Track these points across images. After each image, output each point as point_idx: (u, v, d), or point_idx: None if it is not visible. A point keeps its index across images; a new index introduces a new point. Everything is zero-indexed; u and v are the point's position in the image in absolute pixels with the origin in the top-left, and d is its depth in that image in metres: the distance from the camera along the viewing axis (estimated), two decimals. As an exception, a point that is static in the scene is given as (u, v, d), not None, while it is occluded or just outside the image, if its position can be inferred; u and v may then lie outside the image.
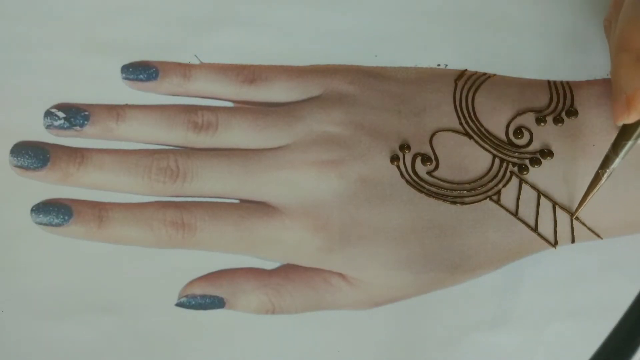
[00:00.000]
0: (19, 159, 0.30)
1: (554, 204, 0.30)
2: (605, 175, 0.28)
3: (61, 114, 0.31)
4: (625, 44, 0.25)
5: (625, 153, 0.28)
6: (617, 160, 0.28)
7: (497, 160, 0.31)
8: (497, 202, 0.30)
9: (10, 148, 0.31)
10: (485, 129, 0.31)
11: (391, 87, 0.32)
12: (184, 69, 0.32)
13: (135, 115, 0.31)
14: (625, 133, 0.27)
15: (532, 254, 0.31)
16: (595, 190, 0.29)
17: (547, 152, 0.31)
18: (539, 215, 0.30)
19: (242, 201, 0.31)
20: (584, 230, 0.31)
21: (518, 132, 0.31)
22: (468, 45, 0.33)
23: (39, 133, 0.31)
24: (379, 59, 0.33)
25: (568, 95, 0.32)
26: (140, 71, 0.32)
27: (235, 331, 0.31)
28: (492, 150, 0.31)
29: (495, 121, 0.31)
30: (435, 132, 0.31)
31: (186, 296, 0.31)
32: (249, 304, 0.31)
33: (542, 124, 0.31)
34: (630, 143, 0.27)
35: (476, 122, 0.31)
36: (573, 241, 0.31)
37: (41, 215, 0.30)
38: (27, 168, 0.30)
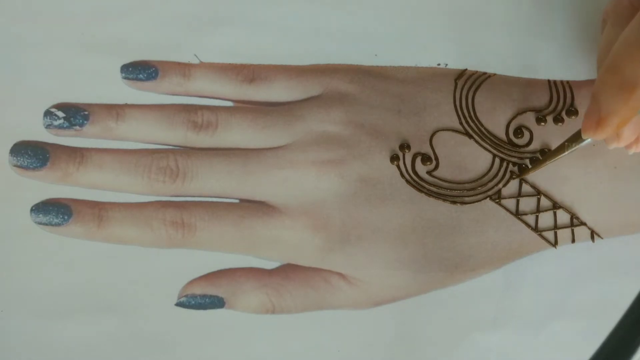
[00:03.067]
0: (18, 158, 0.30)
1: (554, 203, 0.30)
2: (570, 150, 0.28)
3: (61, 114, 0.31)
4: (615, 66, 0.24)
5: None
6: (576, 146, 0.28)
7: (497, 160, 0.31)
8: (498, 201, 0.30)
9: (10, 148, 0.31)
10: (485, 129, 0.31)
11: (391, 86, 0.32)
12: (184, 69, 0.32)
13: (134, 115, 0.31)
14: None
15: (532, 254, 0.31)
16: (551, 160, 0.29)
17: (547, 152, 0.31)
18: (539, 214, 0.30)
19: (242, 201, 0.31)
20: (584, 230, 0.31)
21: (518, 131, 0.31)
22: (468, 45, 0.33)
23: (39, 133, 0.31)
24: (379, 58, 0.33)
25: (568, 94, 0.32)
26: (140, 71, 0.32)
27: (235, 331, 0.31)
28: (492, 149, 0.31)
29: (496, 121, 0.31)
30: (435, 131, 0.31)
31: (186, 296, 0.31)
32: (249, 303, 0.31)
33: (542, 123, 0.31)
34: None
35: (476, 122, 0.31)
36: (573, 241, 0.31)
37: (41, 215, 0.30)
38: (26, 168, 0.30)
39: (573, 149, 0.28)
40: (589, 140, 0.26)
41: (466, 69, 0.32)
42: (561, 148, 0.28)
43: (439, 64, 0.33)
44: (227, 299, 0.31)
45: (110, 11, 0.32)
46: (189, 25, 0.32)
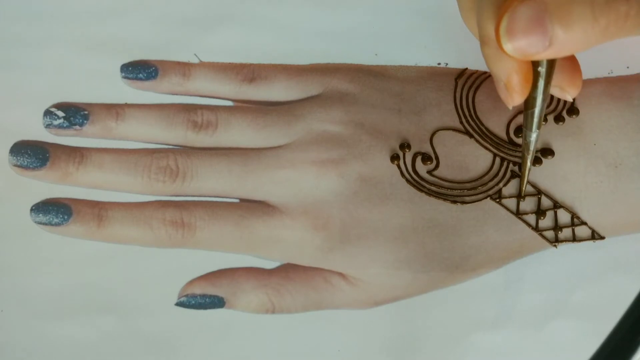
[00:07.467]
0: (18, 158, 0.30)
1: (555, 203, 0.30)
2: (529, 158, 0.28)
3: (60, 113, 0.31)
4: (484, 38, 0.24)
5: (536, 125, 0.27)
6: (534, 135, 0.27)
7: (497, 159, 0.31)
8: (498, 201, 0.30)
9: (9, 147, 0.31)
10: (485, 128, 0.31)
11: (391, 85, 0.32)
12: (184, 68, 0.32)
13: (134, 115, 0.31)
14: (526, 104, 0.27)
15: (532, 253, 0.31)
16: (527, 173, 0.29)
17: (547, 151, 0.31)
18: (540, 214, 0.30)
19: (242, 200, 0.31)
20: (585, 229, 0.30)
21: (519, 131, 0.31)
22: (468, 44, 0.33)
23: (39, 132, 0.31)
24: (379, 57, 0.33)
25: (569, 93, 0.31)
26: (140, 70, 0.32)
27: (235, 331, 0.31)
28: (492, 149, 0.31)
29: (496, 120, 0.31)
30: (435, 131, 0.31)
31: (186, 296, 0.31)
32: (249, 303, 0.31)
33: (543, 122, 0.31)
34: (536, 110, 0.26)
35: (477, 121, 0.31)
36: (574, 240, 0.31)
37: (41, 215, 0.30)
38: (26, 167, 0.30)
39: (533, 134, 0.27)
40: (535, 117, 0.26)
41: (466, 68, 0.32)
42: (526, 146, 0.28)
43: (439, 64, 0.33)
44: (227, 298, 0.31)
45: (110, 11, 0.32)
46: (189, 25, 0.32)
